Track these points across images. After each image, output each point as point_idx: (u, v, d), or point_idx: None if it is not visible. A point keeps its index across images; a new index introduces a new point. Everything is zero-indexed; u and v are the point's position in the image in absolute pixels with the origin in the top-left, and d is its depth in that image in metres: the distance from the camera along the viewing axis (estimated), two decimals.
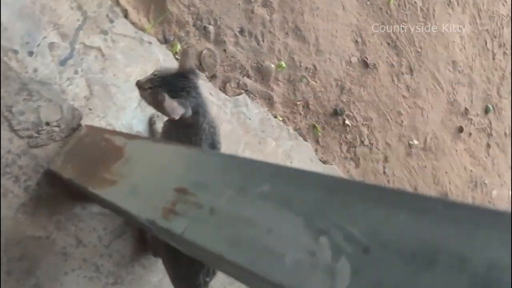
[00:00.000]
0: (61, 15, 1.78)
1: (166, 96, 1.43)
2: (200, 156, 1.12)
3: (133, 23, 1.99)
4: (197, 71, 1.58)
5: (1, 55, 1.61)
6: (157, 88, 1.51)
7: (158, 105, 1.51)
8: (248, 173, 0.98)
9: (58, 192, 1.71)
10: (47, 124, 1.70)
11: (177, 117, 1.45)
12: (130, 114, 1.90)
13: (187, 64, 1.55)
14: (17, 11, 1.66)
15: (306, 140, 2.52)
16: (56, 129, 1.71)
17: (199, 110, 1.53)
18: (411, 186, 2.96)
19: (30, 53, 1.69)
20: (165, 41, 2.09)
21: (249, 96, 2.32)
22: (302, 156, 2.45)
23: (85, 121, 1.78)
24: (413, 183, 2.98)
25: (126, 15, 1.98)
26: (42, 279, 1.68)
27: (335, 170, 2.57)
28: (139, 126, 1.91)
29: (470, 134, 3.24)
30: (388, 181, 2.86)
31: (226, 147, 2.06)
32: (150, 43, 2.01)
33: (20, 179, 1.68)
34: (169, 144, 1.26)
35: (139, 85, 1.58)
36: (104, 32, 1.88)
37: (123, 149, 1.39)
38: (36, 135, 1.68)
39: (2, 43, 1.61)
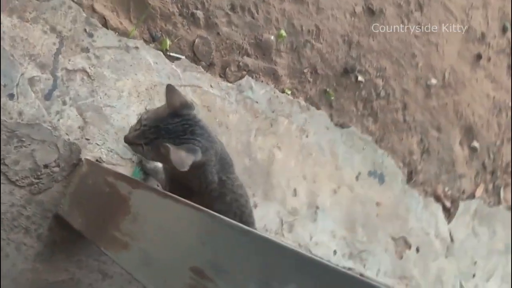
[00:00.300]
0: (35, 43, 1.62)
1: (171, 148, 1.29)
2: (213, 226, 1.04)
3: (114, 29, 1.82)
4: (189, 101, 1.42)
5: None
6: (156, 140, 1.36)
7: (163, 159, 1.39)
8: (271, 264, 0.90)
9: (72, 233, 1.65)
10: (46, 166, 1.61)
11: (187, 168, 1.30)
12: None
13: (176, 100, 1.38)
14: None
15: (319, 109, 2.40)
16: (56, 169, 1.63)
17: (207, 146, 1.41)
18: (434, 127, 2.86)
19: (11, 96, 1.56)
20: (152, 39, 1.93)
21: (252, 77, 2.18)
22: (317, 127, 2.35)
23: (85, 153, 1.69)
24: (435, 123, 2.88)
25: (105, 23, 1.81)
26: None
27: (353, 132, 2.47)
28: None
29: (489, 58, 3.08)
30: (410, 128, 2.76)
31: (236, 139, 1.97)
32: (137, 48, 1.85)
33: (30, 229, 1.63)
34: (178, 202, 1.17)
35: (130, 141, 1.41)
36: (85, 50, 1.73)
37: (129, 201, 1.32)
38: (36, 181, 1.60)
39: None
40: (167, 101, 1.39)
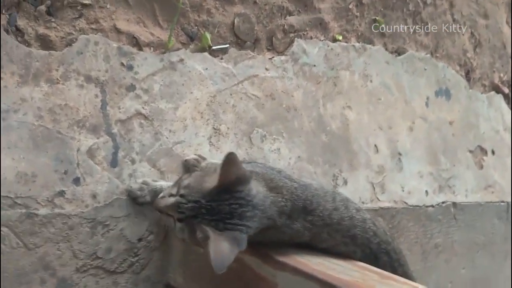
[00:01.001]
0: (76, 105, 1.38)
1: (212, 235, 1.09)
2: None
3: (148, 45, 1.55)
4: (248, 174, 1.17)
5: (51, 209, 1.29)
6: (193, 219, 1.13)
7: (197, 243, 1.17)
8: None
9: None
10: (140, 240, 1.47)
11: (224, 269, 1.06)
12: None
13: (232, 174, 1.12)
14: (29, 143, 1.29)
15: (373, 44, 2.19)
16: (151, 237, 1.49)
17: (263, 221, 1.19)
18: (481, 16, 2.68)
19: (76, 181, 1.36)
20: (190, 39, 1.67)
21: (301, 37, 1.93)
22: (377, 66, 2.17)
23: None
24: (482, 11, 2.70)
25: (137, 43, 1.54)
26: None
27: (411, 56, 2.29)
28: None
29: None
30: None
31: (307, 118, 1.85)
32: (181, 60, 1.60)
33: None
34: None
35: (160, 209, 1.20)
36: (131, 88, 1.48)
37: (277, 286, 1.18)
38: (135, 259, 1.47)
39: (41, 196, 1.28)
40: (221, 173, 1.12)
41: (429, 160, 2.33)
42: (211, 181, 1.14)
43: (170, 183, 1.45)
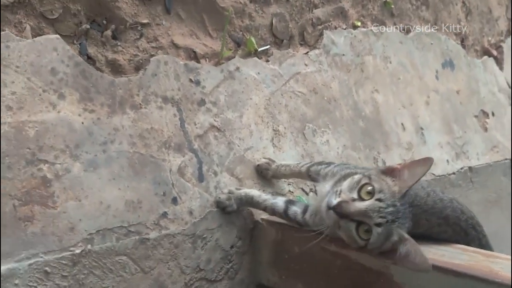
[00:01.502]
0: (160, 127, 1.47)
1: (410, 240, 1.18)
2: None
3: (205, 57, 1.65)
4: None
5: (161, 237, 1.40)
6: (391, 224, 1.18)
7: (381, 248, 1.23)
8: None
9: None
10: (232, 247, 1.59)
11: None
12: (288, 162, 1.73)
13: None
14: (130, 171, 1.39)
15: (386, 25, 2.36)
16: (240, 243, 1.61)
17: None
18: None
19: (174, 201, 1.46)
20: (237, 45, 1.77)
21: (327, 29, 2.07)
22: (393, 46, 2.35)
23: (256, 213, 1.64)
24: None
25: (195, 56, 1.63)
26: None
27: (419, 33, 2.47)
28: None
29: None
30: None
31: (345, 106, 2.03)
32: (237, 68, 1.71)
33: None
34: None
35: (350, 213, 1.19)
36: (202, 103, 1.58)
37: (392, 277, 1.33)
38: (230, 265, 1.59)
39: (149, 221, 1.38)
40: (418, 179, 1.21)
41: (445, 130, 2.55)
42: (395, 185, 1.22)
43: (253, 190, 1.58)
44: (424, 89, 2.50)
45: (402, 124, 2.32)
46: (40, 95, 1.27)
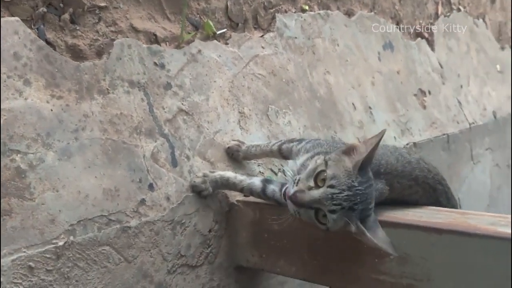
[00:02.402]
0: (129, 112, 1.43)
1: (368, 234, 1.18)
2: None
3: (165, 42, 1.61)
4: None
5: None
6: (350, 212, 1.18)
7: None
8: None
9: (255, 275, 1.68)
10: (210, 231, 1.56)
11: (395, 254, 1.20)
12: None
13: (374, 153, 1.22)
14: (104, 158, 1.33)
15: (331, 9, 2.40)
16: (217, 226, 1.59)
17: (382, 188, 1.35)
18: None
19: (151, 187, 1.42)
20: (195, 28, 1.74)
21: (279, 12, 2.09)
22: (340, 30, 2.40)
23: (231, 195, 1.62)
24: None
25: (156, 39, 1.59)
26: None
27: (360, 16, 2.54)
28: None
29: None
30: None
31: (302, 88, 2.07)
32: (199, 51, 1.69)
33: None
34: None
35: (304, 202, 1.20)
36: (168, 86, 1.55)
37: None
38: (209, 249, 1.57)
39: (128, 209, 1.33)
40: (372, 149, 1.20)
41: (390, 108, 2.63)
42: (351, 162, 1.21)
43: (228, 172, 1.55)
44: (369, 70, 2.56)
45: (353, 104, 2.37)
46: (4, 81, 1.18)
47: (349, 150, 1.24)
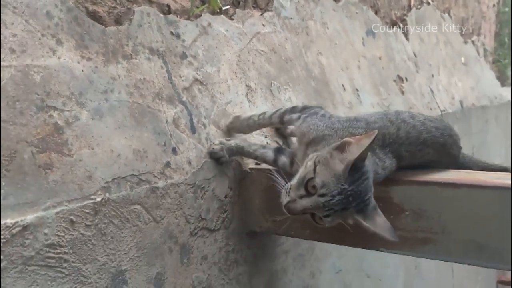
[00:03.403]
0: (151, 78, 1.45)
1: (365, 224, 1.20)
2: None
3: (176, 14, 1.64)
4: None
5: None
6: (344, 212, 1.20)
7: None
8: None
9: (265, 241, 1.73)
10: (226, 196, 1.60)
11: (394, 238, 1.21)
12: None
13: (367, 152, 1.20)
14: (132, 120, 1.34)
15: None
16: (231, 193, 1.63)
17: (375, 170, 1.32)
18: None
19: (174, 151, 1.44)
20: (203, 3, 1.77)
21: None
22: (329, 13, 2.47)
23: (245, 163, 1.66)
24: None
25: (168, 10, 1.61)
26: None
27: (347, 1, 2.63)
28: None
29: None
30: None
31: (299, 67, 2.12)
32: (210, 24, 1.73)
33: (238, 260, 1.68)
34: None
35: (298, 211, 1.22)
36: (184, 56, 1.58)
37: (392, 199, 1.43)
38: (225, 214, 1.61)
39: (156, 170, 1.36)
40: (362, 152, 1.18)
41: (374, 92, 2.72)
42: (338, 164, 1.20)
43: (244, 141, 1.59)
44: (355, 55, 2.65)
45: (342, 85, 2.44)
46: (39, 39, 1.18)
47: (342, 146, 1.22)
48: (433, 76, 3.69)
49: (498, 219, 1.28)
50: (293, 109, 1.58)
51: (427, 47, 3.75)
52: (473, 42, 5.21)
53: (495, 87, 5.56)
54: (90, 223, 1.15)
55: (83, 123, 1.20)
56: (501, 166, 1.69)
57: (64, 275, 1.09)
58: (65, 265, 1.10)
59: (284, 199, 1.24)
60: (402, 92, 3.10)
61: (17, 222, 1.01)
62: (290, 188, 1.24)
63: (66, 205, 1.10)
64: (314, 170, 1.21)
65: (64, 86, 1.19)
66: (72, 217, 1.11)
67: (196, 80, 1.58)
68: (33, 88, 1.12)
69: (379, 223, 1.21)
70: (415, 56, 3.49)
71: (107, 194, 1.20)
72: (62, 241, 1.09)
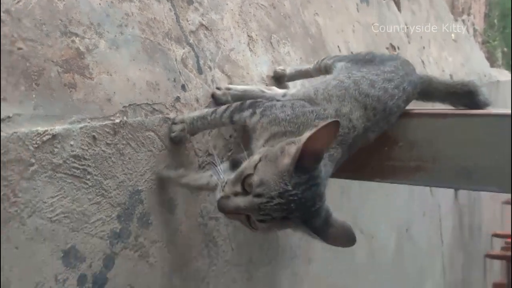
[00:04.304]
0: (161, 19, 1.55)
1: (317, 237, 1.05)
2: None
3: None
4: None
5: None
6: (285, 221, 1.05)
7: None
8: None
9: None
10: (230, 136, 1.72)
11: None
12: (263, 66, 1.89)
13: (321, 147, 1.04)
14: (144, 55, 1.44)
15: None
16: (235, 134, 1.74)
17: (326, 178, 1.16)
18: None
19: (183, 88, 1.56)
20: None
21: None
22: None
23: None
24: None
25: None
26: None
27: None
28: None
29: None
30: None
31: (298, 25, 2.22)
32: None
33: None
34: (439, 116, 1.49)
35: (231, 210, 1.07)
36: (189, 1, 1.68)
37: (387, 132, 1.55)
38: (229, 153, 1.71)
39: (167, 102, 1.47)
40: (303, 146, 1.01)
41: None
42: (286, 162, 1.04)
43: (244, 86, 1.70)
44: (350, 19, 2.77)
45: (338, 46, 2.56)
46: None
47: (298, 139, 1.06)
48: (424, 48, 3.82)
49: (484, 144, 1.41)
50: (241, 107, 1.42)
51: (418, 20, 3.88)
52: (463, 21, 5.36)
53: (484, 67, 5.73)
54: (110, 142, 1.26)
55: (102, 51, 1.30)
56: (463, 82, 1.65)
57: (87, 186, 1.20)
58: (88, 177, 1.20)
59: (218, 194, 1.09)
60: None
61: (46, 130, 1.11)
62: (226, 183, 1.09)
63: (89, 122, 1.21)
64: (256, 165, 1.06)
65: (84, 16, 1.29)
66: (94, 133, 1.22)
67: (202, 25, 1.69)
68: (57, 15, 1.22)
69: (333, 235, 1.06)
70: (407, 27, 3.61)
71: (125, 118, 1.30)
72: (86, 154, 1.19)
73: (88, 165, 1.20)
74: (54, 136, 1.12)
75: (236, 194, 1.06)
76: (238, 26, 1.86)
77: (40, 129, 1.10)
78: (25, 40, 1.13)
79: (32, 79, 1.12)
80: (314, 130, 0.98)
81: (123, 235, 1.29)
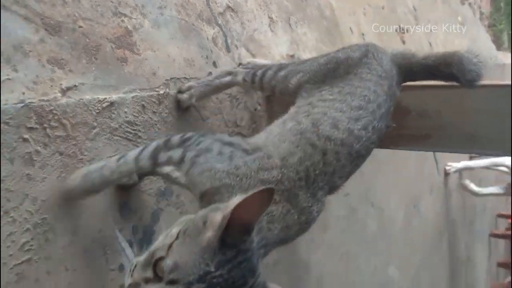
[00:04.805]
0: (193, 1, 1.72)
1: None
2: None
3: None
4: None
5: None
6: None
7: None
8: None
9: None
10: (255, 109, 1.89)
11: None
12: (283, 46, 2.05)
13: (248, 219, 0.86)
14: (181, 34, 1.62)
15: None
16: (259, 107, 1.92)
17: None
18: None
19: (214, 64, 1.74)
20: None
21: None
22: None
23: None
24: None
25: None
26: None
27: None
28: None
29: None
30: None
31: (313, 7, 2.31)
32: None
33: None
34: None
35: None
36: None
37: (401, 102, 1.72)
38: (254, 125, 1.89)
39: (201, 77, 1.64)
40: (228, 222, 0.84)
41: (378, 38, 3.02)
42: (208, 239, 0.86)
43: (265, 62, 1.87)
44: (361, 2, 2.93)
45: (350, 28, 2.73)
46: None
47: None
48: (431, 30, 3.98)
49: (487, 113, 1.58)
50: (167, 143, 1.20)
51: (426, 3, 4.04)
52: (469, 4, 5.51)
53: (490, 50, 5.88)
54: (156, 110, 1.45)
55: (146, 30, 1.48)
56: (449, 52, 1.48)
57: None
58: (139, 140, 1.39)
59: (126, 282, 0.91)
60: (403, 42, 3.39)
61: (105, 98, 1.29)
62: (135, 266, 0.91)
63: (138, 92, 1.39)
64: (171, 245, 0.88)
65: None
66: (143, 102, 1.40)
67: (229, 7, 1.86)
68: None
69: None
70: (415, 10, 3.77)
71: (167, 90, 1.49)
72: (137, 120, 1.38)
73: (139, 130, 1.39)
74: (111, 104, 1.31)
75: (146, 281, 0.88)
76: (260, 8, 2.03)
77: (101, 97, 1.28)
78: (85, 19, 1.30)
79: (92, 54, 1.30)
80: (243, 196, 0.82)
81: (167, 193, 1.48)
